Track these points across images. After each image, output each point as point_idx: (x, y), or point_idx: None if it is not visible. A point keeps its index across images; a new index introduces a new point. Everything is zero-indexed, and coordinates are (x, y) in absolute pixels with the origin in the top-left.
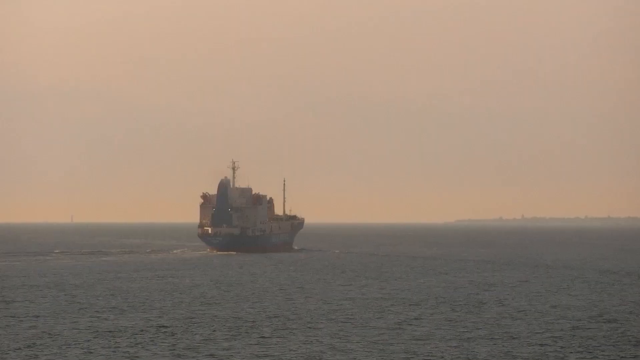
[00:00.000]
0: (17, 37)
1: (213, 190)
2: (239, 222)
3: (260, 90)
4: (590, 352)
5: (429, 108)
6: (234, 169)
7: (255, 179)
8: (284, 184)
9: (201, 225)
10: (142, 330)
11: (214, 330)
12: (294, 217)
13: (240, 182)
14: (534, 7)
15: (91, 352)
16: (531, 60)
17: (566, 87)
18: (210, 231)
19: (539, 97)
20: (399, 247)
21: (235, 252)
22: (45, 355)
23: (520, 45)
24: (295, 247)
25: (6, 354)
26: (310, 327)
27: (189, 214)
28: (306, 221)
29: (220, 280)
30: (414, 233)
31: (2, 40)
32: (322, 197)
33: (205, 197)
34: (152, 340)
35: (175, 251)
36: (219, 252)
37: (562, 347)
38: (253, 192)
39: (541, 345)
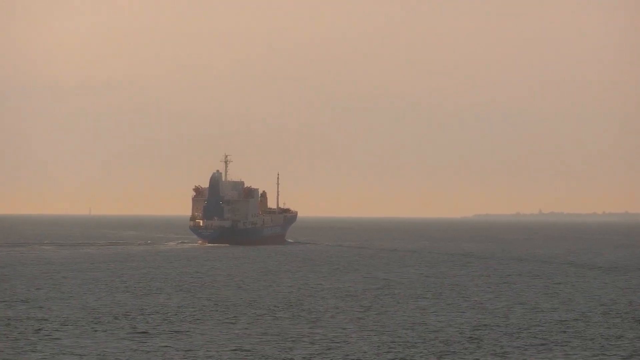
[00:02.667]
0: (36, 35)
1: (206, 184)
2: (230, 214)
3: (255, 84)
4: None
5: (444, 103)
6: (226, 162)
7: (249, 173)
8: (278, 178)
9: (193, 218)
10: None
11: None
12: (287, 211)
13: (233, 176)
14: (548, 4)
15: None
16: (551, 55)
17: (585, 83)
18: (201, 224)
19: (558, 93)
20: (391, 241)
21: (226, 245)
22: None
23: (538, 42)
24: (289, 240)
25: None
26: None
27: (183, 207)
28: (306, 215)
29: (177, 272)
30: (423, 228)
31: (20, 38)
32: (329, 192)
33: (197, 190)
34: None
35: (168, 243)
36: (210, 245)
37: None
38: (245, 186)
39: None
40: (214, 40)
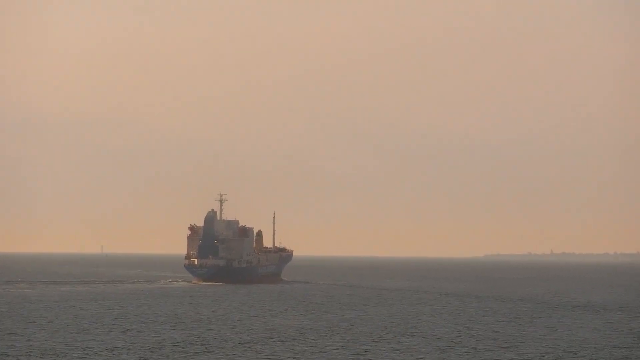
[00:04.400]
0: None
1: (201, 222)
2: (224, 253)
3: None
4: None
5: (451, 141)
6: (221, 201)
7: (245, 212)
8: (274, 217)
9: (188, 257)
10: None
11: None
12: (282, 250)
13: (228, 215)
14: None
15: None
16: (563, 93)
17: (596, 120)
18: (196, 262)
19: (570, 132)
20: (384, 280)
21: (220, 283)
22: None
23: (551, 81)
24: (284, 279)
25: None
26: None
27: (178, 246)
28: (304, 254)
29: (148, 310)
30: (425, 267)
31: (29, 70)
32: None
33: (192, 229)
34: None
35: (163, 281)
36: (204, 283)
37: None
38: (240, 225)
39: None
40: (208, 78)
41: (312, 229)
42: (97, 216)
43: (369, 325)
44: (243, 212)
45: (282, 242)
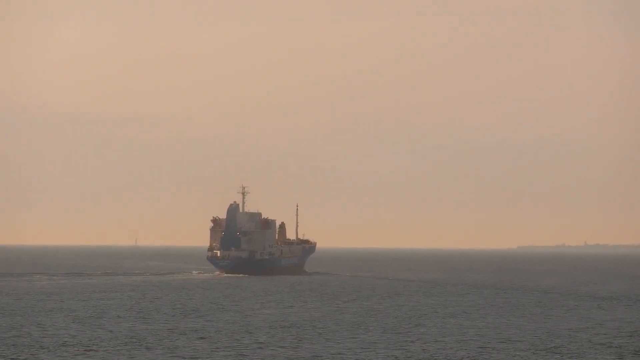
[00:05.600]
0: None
1: (223, 215)
2: (247, 245)
3: (274, 115)
4: None
5: (486, 136)
6: (243, 194)
7: (269, 205)
8: (297, 210)
9: (211, 249)
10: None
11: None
12: (305, 241)
13: (251, 207)
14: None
15: None
16: (589, 88)
17: (627, 114)
18: (218, 254)
19: (604, 125)
20: (409, 272)
21: (243, 275)
22: None
23: (570, 76)
24: (307, 270)
25: None
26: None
27: (201, 238)
28: (337, 246)
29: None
30: (455, 259)
31: (57, 68)
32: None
33: (215, 221)
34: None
35: (189, 273)
36: (226, 275)
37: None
38: (262, 217)
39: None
40: (231, 71)
41: (337, 221)
42: (131, 209)
43: (378, 316)
44: (266, 205)
45: (305, 234)
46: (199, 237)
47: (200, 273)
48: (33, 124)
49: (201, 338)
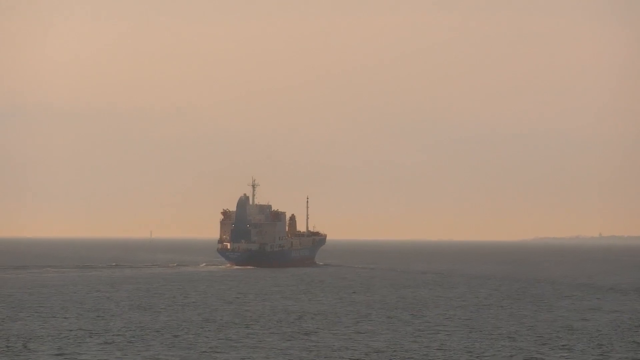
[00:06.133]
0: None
1: (233, 207)
2: (257, 237)
3: (285, 109)
4: None
5: (498, 128)
6: (253, 186)
7: (279, 198)
8: (307, 202)
9: (221, 241)
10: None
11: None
12: (316, 234)
13: (261, 200)
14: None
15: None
16: (610, 78)
17: None
18: (229, 246)
19: (618, 117)
20: (419, 264)
21: (253, 267)
22: None
23: (589, 69)
24: (318, 262)
25: None
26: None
27: (211, 230)
28: (352, 238)
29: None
30: (469, 251)
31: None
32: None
33: (225, 213)
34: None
35: (198, 266)
36: (237, 267)
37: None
38: (272, 209)
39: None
40: (241, 63)
41: (347, 214)
42: (146, 203)
43: (372, 305)
44: (276, 198)
45: (315, 226)
46: (213, 230)
47: (207, 265)
48: (56, 119)
49: (207, 322)
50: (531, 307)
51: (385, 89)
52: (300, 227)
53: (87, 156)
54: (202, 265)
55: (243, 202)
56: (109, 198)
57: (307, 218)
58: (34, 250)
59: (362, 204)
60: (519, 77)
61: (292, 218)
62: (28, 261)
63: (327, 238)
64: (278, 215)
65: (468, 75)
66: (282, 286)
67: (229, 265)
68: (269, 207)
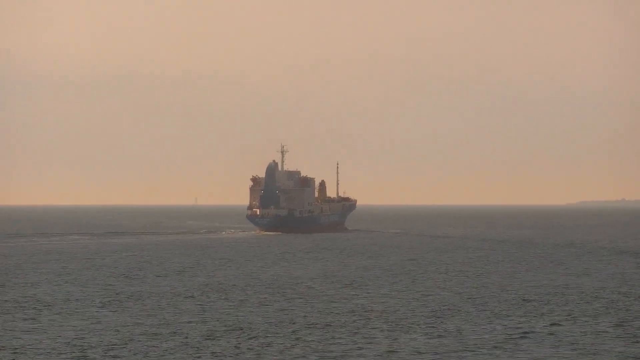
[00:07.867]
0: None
1: (263, 174)
2: (286, 203)
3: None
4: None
5: (546, 92)
6: (282, 152)
7: (309, 164)
8: (337, 167)
9: (250, 207)
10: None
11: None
12: (346, 199)
13: (290, 166)
14: None
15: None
16: None
17: None
18: (258, 212)
19: None
20: (449, 228)
21: (281, 233)
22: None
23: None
24: (348, 228)
25: None
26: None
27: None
28: (378, 203)
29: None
30: (508, 215)
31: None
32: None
33: (254, 180)
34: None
35: (223, 232)
36: (266, 233)
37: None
38: (301, 175)
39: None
40: (272, 30)
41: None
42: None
43: (376, 271)
44: (307, 164)
45: (345, 191)
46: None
47: (234, 232)
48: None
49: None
50: (513, 269)
51: (415, 53)
52: (331, 192)
53: (131, 126)
54: (226, 232)
55: (272, 168)
56: (155, 166)
57: (338, 184)
58: (77, 217)
59: (394, 169)
60: (565, 36)
61: (322, 184)
62: (57, 229)
63: (358, 203)
64: (307, 181)
65: (514, 33)
66: (293, 252)
67: (257, 230)
68: (298, 173)
